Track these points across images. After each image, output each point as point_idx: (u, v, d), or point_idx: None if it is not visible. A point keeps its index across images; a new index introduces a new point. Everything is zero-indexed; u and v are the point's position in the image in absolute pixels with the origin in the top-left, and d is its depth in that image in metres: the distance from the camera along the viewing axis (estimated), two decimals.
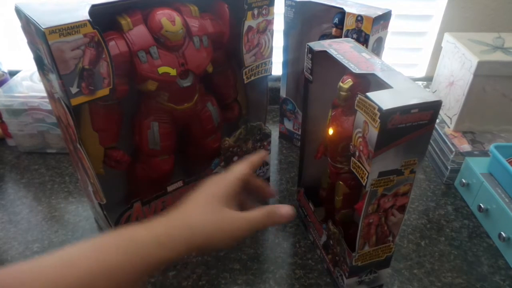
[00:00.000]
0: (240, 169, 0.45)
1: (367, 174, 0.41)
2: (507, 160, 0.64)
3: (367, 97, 0.38)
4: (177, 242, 0.37)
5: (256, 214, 0.42)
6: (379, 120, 0.37)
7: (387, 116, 0.36)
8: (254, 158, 0.48)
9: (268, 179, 0.76)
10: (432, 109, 0.38)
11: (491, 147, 0.67)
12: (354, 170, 0.45)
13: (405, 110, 0.37)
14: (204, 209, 0.40)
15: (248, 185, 0.46)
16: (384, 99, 0.37)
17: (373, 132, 0.38)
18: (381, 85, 0.42)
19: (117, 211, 0.54)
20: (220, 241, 0.40)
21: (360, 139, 0.42)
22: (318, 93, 0.56)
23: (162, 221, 0.39)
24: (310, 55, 0.52)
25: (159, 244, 0.36)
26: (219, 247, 0.41)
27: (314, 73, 0.54)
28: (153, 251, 0.36)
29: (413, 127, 0.38)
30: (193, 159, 0.66)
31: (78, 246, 0.36)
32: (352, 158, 0.45)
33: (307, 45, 0.53)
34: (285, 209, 0.44)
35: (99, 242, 0.36)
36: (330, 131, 0.52)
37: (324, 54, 0.50)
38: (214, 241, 0.39)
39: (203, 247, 0.39)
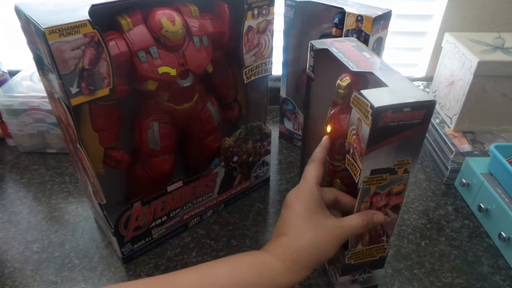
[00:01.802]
0: (312, 173, 0.46)
1: (359, 171, 0.41)
2: (507, 160, 0.64)
3: (361, 94, 0.39)
4: (302, 267, 0.41)
5: (356, 222, 0.43)
6: (371, 117, 0.37)
7: (378, 113, 0.37)
8: (320, 155, 0.48)
9: (268, 179, 0.76)
10: (425, 108, 0.38)
11: (491, 147, 0.67)
12: (348, 167, 0.45)
13: (397, 108, 0.37)
14: (310, 230, 0.42)
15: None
16: (377, 97, 0.37)
17: (366, 129, 0.38)
18: (379, 84, 0.42)
19: (117, 211, 0.54)
20: (330, 254, 0.43)
21: (354, 136, 0.42)
22: (320, 92, 0.56)
23: (281, 246, 0.42)
24: (312, 53, 0.53)
25: (287, 269, 0.40)
26: (328, 258, 0.44)
27: (317, 71, 0.54)
28: (283, 276, 0.40)
29: (405, 126, 0.38)
30: (193, 159, 0.66)
31: (216, 264, 0.41)
32: (347, 155, 0.45)
33: (310, 43, 0.53)
34: (379, 217, 0.45)
35: (234, 261, 0.41)
36: (328, 129, 0.52)
37: (327, 52, 0.50)
38: (327, 256, 0.43)
39: (319, 264, 0.43)
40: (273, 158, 0.83)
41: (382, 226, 0.47)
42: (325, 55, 0.51)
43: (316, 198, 0.44)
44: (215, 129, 0.63)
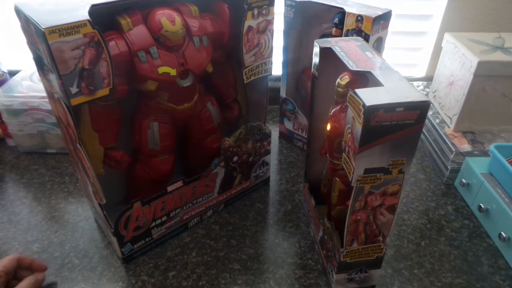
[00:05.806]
0: (2, 263, 0.52)
1: (353, 169, 0.41)
2: (507, 160, 0.64)
3: (355, 93, 0.39)
4: None
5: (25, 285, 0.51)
6: (363, 116, 0.37)
7: (370, 112, 0.37)
8: (23, 257, 0.54)
9: (268, 179, 0.76)
10: (419, 109, 0.38)
11: (491, 147, 0.67)
12: (344, 166, 0.45)
13: (389, 108, 0.37)
14: None
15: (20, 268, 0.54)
16: (370, 96, 0.38)
17: (358, 128, 0.39)
18: (378, 83, 0.42)
19: (117, 211, 0.54)
20: None
21: (350, 135, 0.42)
22: (325, 90, 0.56)
23: None
24: (317, 52, 0.53)
25: None
26: None
27: (322, 70, 0.54)
28: None
29: (398, 126, 0.38)
30: (193, 159, 0.66)
31: None
32: (343, 153, 0.45)
33: (315, 42, 0.53)
34: (40, 276, 0.54)
35: None
36: (328, 127, 0.52)
37: (332, 51, 0.50)
38: None
39: None
40: (273, 158, 0.83)
41: (377, 226, 0.47)
42: (329, 54, 0.51)
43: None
44: (215, 129, 0.63)
